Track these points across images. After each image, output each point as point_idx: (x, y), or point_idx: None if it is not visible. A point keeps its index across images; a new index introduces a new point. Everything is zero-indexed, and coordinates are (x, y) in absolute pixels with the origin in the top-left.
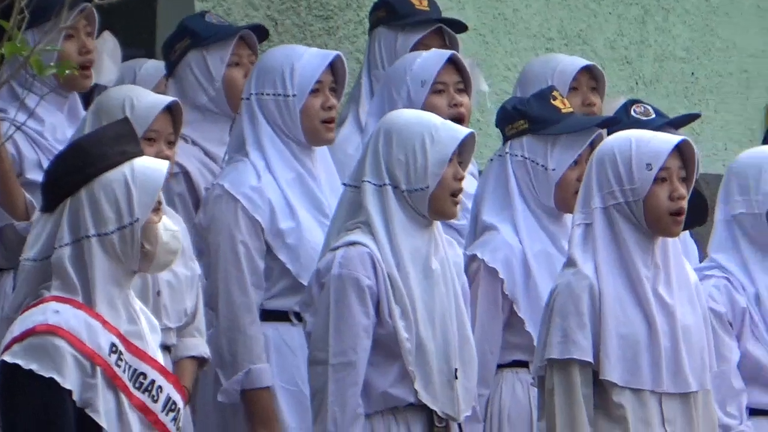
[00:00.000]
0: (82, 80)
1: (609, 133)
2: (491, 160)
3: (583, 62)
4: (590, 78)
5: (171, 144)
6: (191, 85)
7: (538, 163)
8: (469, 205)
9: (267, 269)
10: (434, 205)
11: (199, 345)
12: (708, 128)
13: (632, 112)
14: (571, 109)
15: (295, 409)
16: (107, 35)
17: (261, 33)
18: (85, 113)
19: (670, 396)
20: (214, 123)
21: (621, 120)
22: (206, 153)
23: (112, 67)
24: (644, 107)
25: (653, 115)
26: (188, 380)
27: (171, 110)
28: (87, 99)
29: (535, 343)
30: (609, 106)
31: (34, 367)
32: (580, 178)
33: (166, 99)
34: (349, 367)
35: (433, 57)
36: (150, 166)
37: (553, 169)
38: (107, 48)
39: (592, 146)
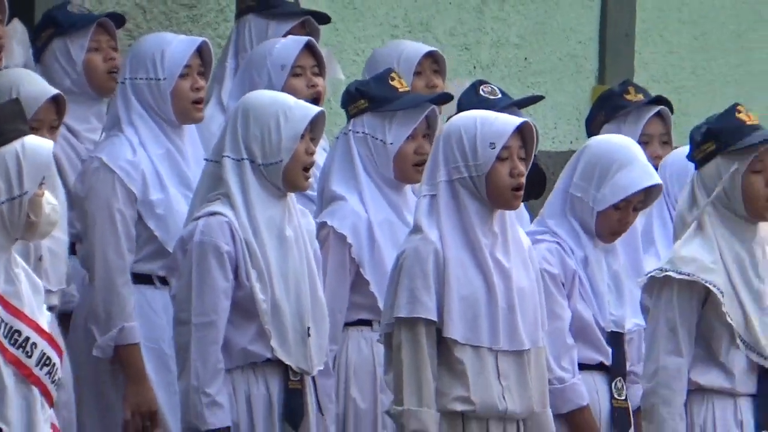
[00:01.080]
0: None
1: (459, 110)
2: (337, 138)
3: (426, 48)
4: (433, 62)
5: (53, 128)
6: (56, 71)
7: (377, 138)
8: None
9: (135, 236)
10: (287, 177)
11: None
12: (540, 108)
13: (480, 92)
14: (407, 89)
15: (155, 364)
16: (16, 22)
17: (118, 20)
18: None
19: (505, 353)
20: (77, 102)
21: (452, 97)
22: (69, 129)
23: (21, 51)
24: (491, 87)
25: (499, 95)
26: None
27: (56, 99)
28: None
29: (379, 304)
30: (457, 89)
31: None
32: (417, 150)
33: (51, 90)
34: (210, 326)
35: (292, 43)
36: (39, 144)
37: (391, 143)
38: (16, 34)
39: (427, 120)
